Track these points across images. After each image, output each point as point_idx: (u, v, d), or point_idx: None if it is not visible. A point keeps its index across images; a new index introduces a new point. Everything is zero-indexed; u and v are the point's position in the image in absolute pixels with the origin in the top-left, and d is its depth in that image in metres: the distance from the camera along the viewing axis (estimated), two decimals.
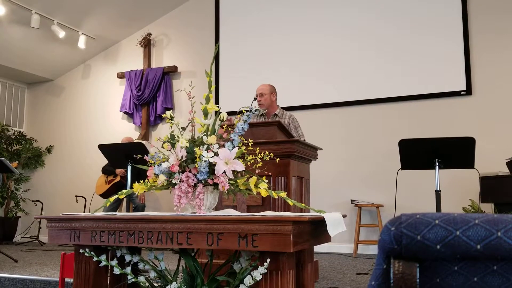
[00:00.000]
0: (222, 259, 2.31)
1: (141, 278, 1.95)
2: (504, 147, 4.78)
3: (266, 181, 1.94)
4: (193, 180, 1.88)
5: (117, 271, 1.96)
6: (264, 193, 1.89)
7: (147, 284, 1.95)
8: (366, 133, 5.55)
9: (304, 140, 4.03)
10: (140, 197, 5.78)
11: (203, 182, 1.89)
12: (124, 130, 6.89)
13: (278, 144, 2.99)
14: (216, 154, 1.89)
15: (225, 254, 2.46)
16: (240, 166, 1.89)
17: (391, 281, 0.70)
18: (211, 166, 1.87)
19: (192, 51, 6.74)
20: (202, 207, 1.91)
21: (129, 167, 3.83)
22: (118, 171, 5.73)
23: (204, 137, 1.96)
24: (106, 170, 5.87)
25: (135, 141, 6.05)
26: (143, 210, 5.83)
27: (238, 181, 1.92)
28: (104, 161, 5.42)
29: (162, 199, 6.51)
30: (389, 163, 4.96)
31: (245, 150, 1.97)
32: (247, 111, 2.00)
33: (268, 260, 1.66)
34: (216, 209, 2.14)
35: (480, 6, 5.20)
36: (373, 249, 5.23)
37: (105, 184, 5.87)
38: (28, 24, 6.00)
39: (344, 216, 2.07)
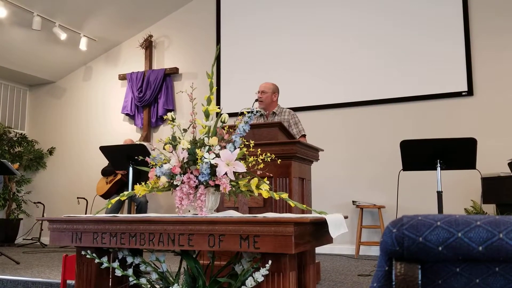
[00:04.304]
0: (224, 261, 2.31)
1: (143, 280, 1.95)
2: (506, 148, 4.77)
3: (268, 182, 1.94)
4: (194, 181, 1.88)
5: (118, 273, 1.96)
6: (265, 195, 1.89)
7: (149, 286, 1.95)
8: (367, 134, 5.55)
9: (305, 135, 4.03)
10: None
11: (204, 183, 1.89)
12: (126, 132, 6.90)
13: (279, 145, 2.99)
14: (217, 155, 1.89)
15: (226, 256, 2.46)
16: (241, 167, 1.89)
17: (393, 283, 0.70)
18: (213, 168, 1.87)
19: (194, 53, 6.75)
20: (203, 208, 1.91)
21: (131, 169, 3.83)
22: (119, 171, 5.74)
23: (206, 139, 1.96)
24: (106, 171, 5.88)
25: (136, 142, 6.06)
26: (146, 206, 5.84)
27: (239, 182, 1.92)
28: (105, 162, 5.42)
29: (164, 200, 6.51)
30: (390, 164, 4.95)
31: (246, 151, 1.97)
32: (248, 112, 2.00)
33: (270, 262, 1.66)
34: (217, 210, 2.14)
35: (481, 6, 5.20)
36: (375, 250, 5.22)
37: (106, 185, 5.89)
38: (29, 26, 6.02)
39: (345, 217, 2.07)
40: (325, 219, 1.80)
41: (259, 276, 1.68)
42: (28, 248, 6.17)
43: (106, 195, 5.87)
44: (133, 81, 6.88)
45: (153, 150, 2.02)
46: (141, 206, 5.75)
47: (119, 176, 5.79)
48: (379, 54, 5.60)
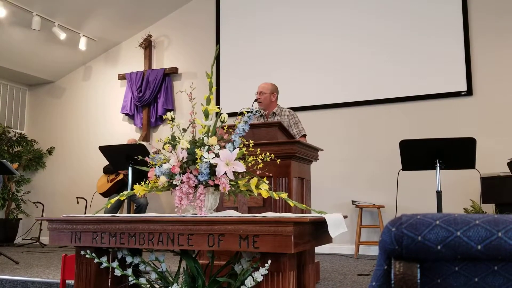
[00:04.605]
0: (223, 261, 2.31)
1: (142, 280, 1.95)
2: (505, 147, 4.78)
3: (267, 182, 1.94)
4: (194, 181, 1.88)
5: (118, 272, 1.96)
6: (265, 194, 1.89)
7: (148, 285, 1.95)
8: (366, 134, 5.55)
9: (306, 135, 4.02)
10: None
11: (204, 183, 1.89)
12: (125, 132, 6.90)
13: (279, 145, 2.99)
14: (217, 155, 1.89)
15: (226, 255, 2.46)
16: (241, 167, 1.89)
17: (392, 281, 0.70)
18: (212, 167, 1.87)
19: (193, 52, 6.75)
20: (203, 208, 1.91)
21: (130, 169, 3.83)
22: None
23: (205, 138, 1.96)
24: (108, 169, 5.87)
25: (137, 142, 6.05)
26: (145, 207, 5.83)
27: (239, 182, 1.92)
28: (105, 161, 5.42)
29: (164, 199, 6.51)
30: (390, 163, 4.96)
31: (246, 151, 1.97)
32: (247, 112, 2.00)
33: (269, 261, 1.66)
34: (217, 210, 2.14)
35: (480, 6, 5.20)
36: (374, 250, 5.22)
37: (107, 183, 5.88)
38: (29, 26, 6.01)
39: (345, 217, 2.07)
40: (325, 219, 1.80)
41: (259, 275, 1.68)
42: (27, 248, 6.16)
43: (106, 194, 5.86)
44: (132, 81, 6.88)
45: (156, 153, 2.02)
46: (141, 208, 5.74)
47: (121, 176, 5.78)
48: (379, 54, 5.60)
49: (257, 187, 1.91)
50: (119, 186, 5.79)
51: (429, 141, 3.25)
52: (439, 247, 0.68)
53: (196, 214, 1.91)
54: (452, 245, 0.68)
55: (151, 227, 1.82)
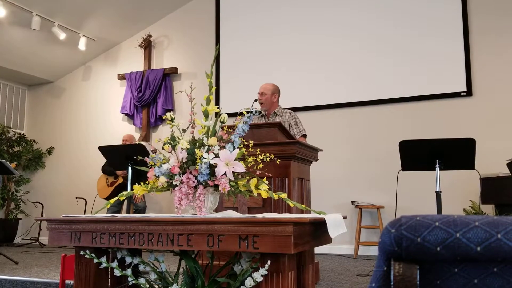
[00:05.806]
0: (223, 261, 2.31)
1: (142, 280, 1.95)
2: (505, 148, 4.78)
3: (267, 182, 1.94)
4: (193, 181, 1.88)
5: (117, 273, 1.96)
6: (264, 195, 1.89)
7: (148, 286, 1.95)
8: (366, 134, 5.55)
9: (306, 135, 4.03)
10: (136, 198, 5.54)
11: (203, 183, 1.89)
12: (125, 132, 6.88)
13: (278, 146, 2.99)
14: (216, 155, 1.89)
15: (225, 256, 2.46)
16: (240, 167, 1.89)
17: (392, 283, 0.70)
18: (212, 168, 1.87)
19: (193, 53, 6.75)
20: (202, 208, 1.91)
21: (130, 169, 3.83)
22: (119, 172, 5.70)
23: (205, 139, 1.96)
24: (105, 170, 5.84)
25: (136, 142, 6.03)
26: (144, 211, 5.82)
27: (238, 182, 1.92)
28: (104, 161, 5.40)
29: (164, 200, 6.51)
30: (389, 164, 4.96)
31: (245, 151, 1.97)
32: (247, 112, 2.00)
33: (269, 262, 1.66)
34: (216, 210, 2.14)
35: (480, 6, 5.21)
36: (374, 250, 5.22)
37: (107, 187, 5.85)
38: (28, 26, 6.01)
39: (344, 217, 2.07)
40: (324, 219, 1.80)
41: (258, 276, 1.68)
42: (26, 248, 6.16)
43: (109, 199, 5.81)
44: (132, 81, 6.88)
45: (154, 152, 2.02)
46: (139, 211, 5.71)
47: (120, 180, 5.73)
48: (379, 54, 5.60)
49: (256, 187, 1.91)
50: (121, 190, 5.74)
51: (428, 141, 3.26)
52: (438, 249, 0.68)
53: (196, 214, 1.91)
54: (452, 247, 0.68)
55: (151, 227, 1.82)
